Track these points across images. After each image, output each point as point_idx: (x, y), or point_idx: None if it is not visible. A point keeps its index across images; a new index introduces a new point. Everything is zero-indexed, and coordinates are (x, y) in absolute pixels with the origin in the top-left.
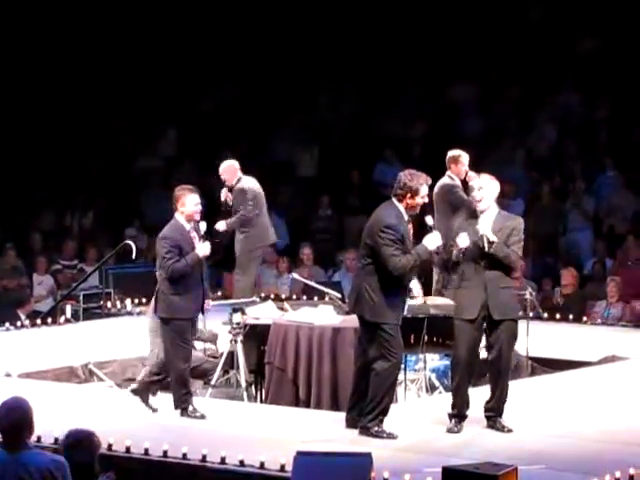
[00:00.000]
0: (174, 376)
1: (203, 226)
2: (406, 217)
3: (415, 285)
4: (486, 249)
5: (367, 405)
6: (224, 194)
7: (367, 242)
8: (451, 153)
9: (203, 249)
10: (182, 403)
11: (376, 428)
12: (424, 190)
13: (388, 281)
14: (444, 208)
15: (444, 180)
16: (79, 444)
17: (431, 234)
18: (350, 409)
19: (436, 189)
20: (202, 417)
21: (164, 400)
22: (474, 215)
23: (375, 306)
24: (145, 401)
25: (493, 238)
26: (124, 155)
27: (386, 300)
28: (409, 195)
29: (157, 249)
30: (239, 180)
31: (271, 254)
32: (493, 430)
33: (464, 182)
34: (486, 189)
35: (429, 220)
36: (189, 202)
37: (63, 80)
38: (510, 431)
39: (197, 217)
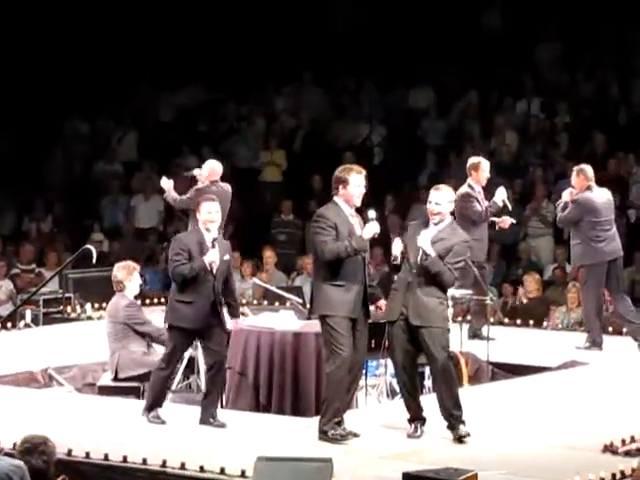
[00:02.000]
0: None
1: (214, 233)
2: (347, 211)
3: None
4: (418, 262)
5: (321, 407)
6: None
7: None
8: (471, 160)
9: (210, 256)
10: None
11: (332, 431)
12: (354, 179)
13: (329, 272)
14: (460, 216)
15: (463, 188)
16: (34, 449)
17: (369, 224)
18: None
19: (456, 197)
20: (162, 422)
21: (125, 405)
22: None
23: (319, 298)
24: None
25: (430, 251)
26: (83, 159)
27: (329, 291)
28: (340, 186)
29: (169, 251)
30: (213, 182)
31: (235, 259)
32: (452, 435)
33: (485, 189)
34: (443, 205)
35: (371, 213)
36: (202, 210)
37: (22, 82)
38: (468, 435)
39: (209, 226)
